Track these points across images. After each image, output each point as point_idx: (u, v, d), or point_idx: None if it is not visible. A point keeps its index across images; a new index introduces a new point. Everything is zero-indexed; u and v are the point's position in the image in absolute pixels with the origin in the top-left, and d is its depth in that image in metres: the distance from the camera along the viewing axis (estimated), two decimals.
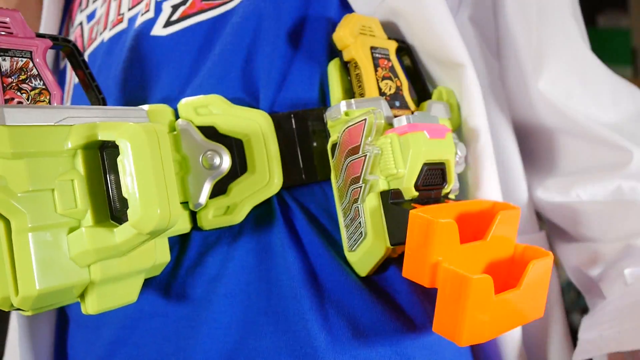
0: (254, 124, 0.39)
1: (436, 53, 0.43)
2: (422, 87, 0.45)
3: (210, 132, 0.38)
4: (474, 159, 0.43)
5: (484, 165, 0.42)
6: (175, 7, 0.43)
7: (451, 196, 0.42)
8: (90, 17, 0.48)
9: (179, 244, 0.39)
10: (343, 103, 0.38)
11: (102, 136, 0.31)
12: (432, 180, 0.38)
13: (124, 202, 0.32)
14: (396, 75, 0.42)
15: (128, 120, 0.34)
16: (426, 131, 0.37)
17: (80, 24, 0.49)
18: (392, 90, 0.42)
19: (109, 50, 0.44)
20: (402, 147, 0.37)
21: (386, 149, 0.37)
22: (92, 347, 0.42)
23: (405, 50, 0.45)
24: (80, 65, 0.36)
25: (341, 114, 0.38)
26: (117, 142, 0.30)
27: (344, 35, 0.40)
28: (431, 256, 0.34)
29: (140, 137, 0.30)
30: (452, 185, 0.39)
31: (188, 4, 0.42)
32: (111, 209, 0.32)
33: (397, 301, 0.39)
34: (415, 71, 0.45)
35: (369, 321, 0.38)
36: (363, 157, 0.37)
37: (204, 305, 0.38)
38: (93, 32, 0.47)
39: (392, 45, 0.43)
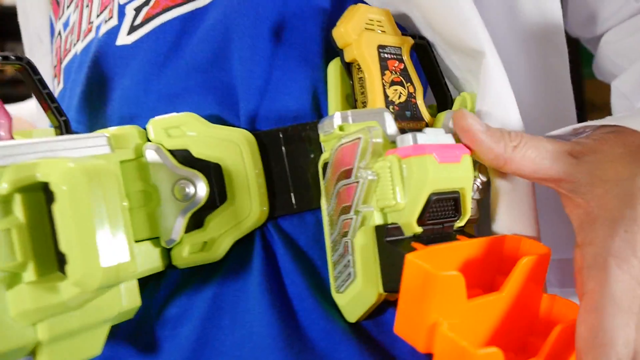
0: (233, 146, 0.34)
1: (454, 40, 0.35)
2: (442, 93, 0.37)
3: (185, 156, 0.34)
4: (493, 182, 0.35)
5: (495, 191, 0.34)
6: (138, 10, 0.37)
7: (470, 227, 0.35)
8: (66, 25, 0.44)
9: (152, 282, 0.36)
10: (337, 115, 0.32)
11: (43, 177, 0.27)
12: (442, 212, 0.31)
13: None
14: (409, 80, 0.35)
15: (85, 152, 0.31)
16: (436, 154, 0.30)
17: (59, 33, 0.45)
18: (403, 98, 0.35)
19: (80, 64, 0.40)
20: (403, 173, 0.30)
21: (384, 174, 0.30)
22: None
23: (423, 48, 0.37)
24: (35, 85, 0.33)
25: (334, 127, 0.32)
26: (51, 187, 0.26)
27: (345, 31, 0.34)
28: (428, 315, 0.27)
29: (77, 180, 0.26)
30: (467, 218, 0.33)
31: (151, 3, 0.37)
32: (59, 257, 0.29)
33: (393, 354, 0.34)
34: (436, 73, 0.37)
35: None
36: (356, 184, 0.31)
37: (167, 350, 0.34)
38: (68, 42, 0.43)
39: (406, 43, 0.36)
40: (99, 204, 0.27)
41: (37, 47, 0.54)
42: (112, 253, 0.27)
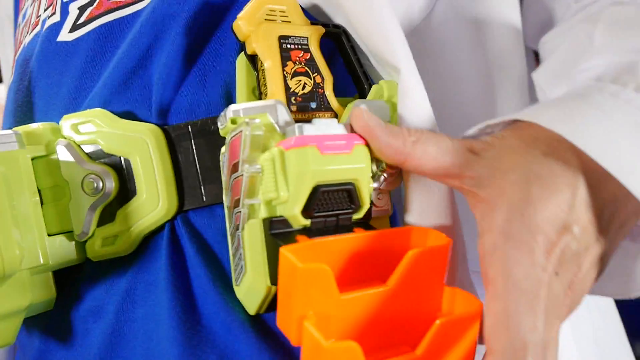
0: (139, 141, 0.34)
1: (374, 50, 0.35)
2: (359, 82, 0.36)
3: (95, 152, 0.35)
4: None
5: (407, 180, 0.33)
6: (82, 9, 0.39)
7: (383, 219, 0.34)
8: (24, 16, 0.46)
9: (73, 275, 0.37)
10: (229, 108, 0.32)
11: None
12: (334, 205, 0.31)
13: None
14: (315, 70, 0.35)
15: None
16: (319, 145, 0.30)
17: (19, 25, 0.48)
18: (307, 89, 0.34)
19: (24, 57, 0.42)
20: (285, 165, 0.30)
21: (268, 167, 0.30)
22: None
23: (337, 36, 0.36)
24: None
25: (227, 121, 0.32)
26: None
27: (243, 23, 0.34)
28: (298, 308, 0.27)
29: None
30: (365, 209, 0.32)
31: (95, 4, 0.39)
32: None
33: (287, 344, 0.33)
34: (350, 63, 0.36)
35: None
36: (241, 177, 0.31)
37: (88, 341, 0.36)
38: (22, 34, 0.45)
39: (315, 32, 0.35)
40: None
41: (8, 28, 0.57)
42: None
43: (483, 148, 0.30)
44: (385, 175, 0.33)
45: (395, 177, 0.34)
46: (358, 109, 0.32)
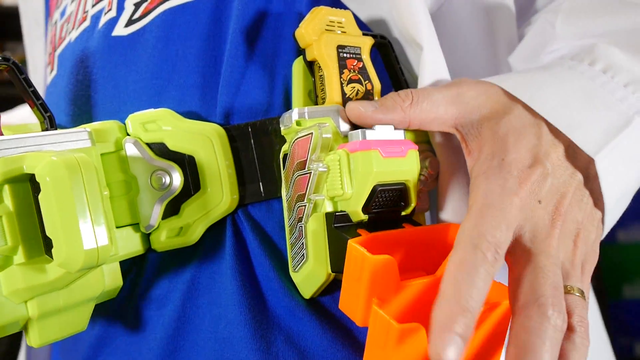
0: (204, 139, 0.37)
1: (405, 33, 0.39)
2: (400, 89, 0.40)
3: (161, 149, 0.37)
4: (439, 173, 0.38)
5: (442, 182, 0.37)
6: (137, 5, 0.41)
7: (422, 216, 0.38)
8: (62, 14, 0.47)
9: (136, 265, 0.40)
10: (295, 111, 0.35)
11: (28, 169, 0.31)
12: (387, 202, 0.34)
13: None
14: (367, 78, 0.38)
15: (68, 146, 0.34)
16: (381, 149, 0.33)
17: (56, 22, 0.49)
18: (360, 95, 0.37)
19: (74, 52, 0.43)
20: (350, 166, 0.33)
21: (334, 167, 0.33)
22: None
23: (384, 46, 0.40)
24: (22, 84, 0.36)
25: (292, 122, 0.35)
26: (36, 179, 0.30)
27: (306, 32, 0.36)
28: (365, 293, 0.31)
29: (60, 172, 0.30)
30: (412, 207, 0.35)
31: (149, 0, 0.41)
32: (46, 242, 0.32)
33: (347, 325, 0.37)
34: (394, 70, 0.40)
35: (320, 349, 0.36)
36: (308, 174, 0.34)
37: (151, 327, 0.38)
38: (63, 30, 0.46)
39: (366, 43, 0.38)
40: (79, 193, 0.30)
41: (35, 31, 0.58)
42: (92, 237, 0.30)
43: (472, 96, 0.35)
44: (426, 175, 0.37)
45: (434, 179, 0.38)
46: (349, 103, 0.36)
